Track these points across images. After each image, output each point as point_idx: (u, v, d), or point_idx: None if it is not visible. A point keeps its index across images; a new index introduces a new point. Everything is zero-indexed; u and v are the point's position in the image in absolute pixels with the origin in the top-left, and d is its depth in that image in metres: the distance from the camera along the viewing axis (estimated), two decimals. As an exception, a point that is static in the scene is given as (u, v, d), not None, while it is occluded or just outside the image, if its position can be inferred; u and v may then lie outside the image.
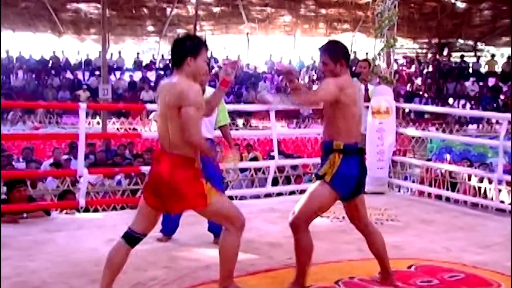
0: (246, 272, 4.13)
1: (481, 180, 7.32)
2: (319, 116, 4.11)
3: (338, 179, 3.60)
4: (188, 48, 3.37)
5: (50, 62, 23.54)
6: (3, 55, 21.82)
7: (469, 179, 7.53)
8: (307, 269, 3.69)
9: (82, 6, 23.33)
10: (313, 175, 3.84)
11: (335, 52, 3.66)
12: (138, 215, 3.50)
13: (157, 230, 5.04)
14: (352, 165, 3.64)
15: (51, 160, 10.33)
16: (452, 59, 25.13)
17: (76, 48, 24.52)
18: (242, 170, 8.58)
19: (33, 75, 22.55)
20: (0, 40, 19.28)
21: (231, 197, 7.03)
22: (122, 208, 6.93)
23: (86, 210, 6.35)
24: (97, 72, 21.38)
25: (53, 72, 22.81)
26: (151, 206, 3.42)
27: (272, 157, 7.68)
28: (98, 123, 16.70)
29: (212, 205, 3.40)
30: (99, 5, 18.75)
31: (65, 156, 10.67)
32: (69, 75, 22.39)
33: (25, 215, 5.71)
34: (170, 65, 3.50)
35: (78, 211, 6.15)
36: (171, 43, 3.50)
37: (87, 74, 22.96)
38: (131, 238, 3.50)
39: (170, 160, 3.31)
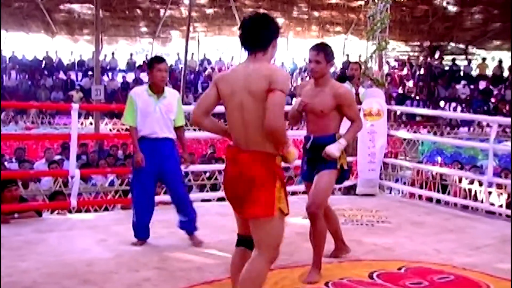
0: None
1: (471, 182, 7.37)
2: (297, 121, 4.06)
3: (348, 165, 4.20)
4: (274, 30, 2.97)
5: (43, 62, 23.46)
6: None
7: (460, 181, 7.58)
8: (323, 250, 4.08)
9: (75, 6, 23.25)
10: (323, 168, 4.02)
11: (329, 54, 4.00)
12: (237, 221, 3.17)
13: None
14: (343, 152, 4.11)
15: (43, 161, 10.31)
16: (443, 62, 25.26)
17: (69, 48, 24.44)
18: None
19: (26, 76, 22.47)
20: (0, 40, 19.25)
21: (222, 198, 7.07)
22: (114, 208, 6.93)
23: (78, 210, 6.34)
24: (90, 73, 21.33)
25: (46, 72, 22.74)
26: (239, 214, 3.07)
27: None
28: (91, 123, 16.66)
29: (273, 221, 2.91)
30: (92, 6, 18.71)
31: (58, 157, 10.64)
32: (62, 75, 22.34)
33: (16, 215, 5.70)
34: (245, 47, 2.95)
35: (70, 211, 6.15)
36: (247, 21, 2.97)
37: (80, 74, 22.91)
38: (245, 242, 3.09)
39: (249, 157, 2.90)
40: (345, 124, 4.13)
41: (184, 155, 5.14)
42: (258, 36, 2.92)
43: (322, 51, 3.94)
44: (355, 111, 4.14)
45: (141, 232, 4.89)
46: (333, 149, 3.92)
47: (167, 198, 6.70)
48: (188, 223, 4.92)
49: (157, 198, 6.44)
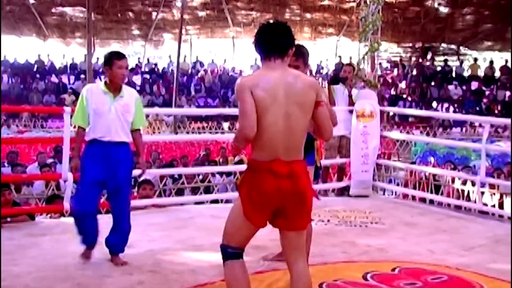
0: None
1: (464, 182, 7.39)
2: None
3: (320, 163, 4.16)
4: (293, 38, 2.99)
5: (35, 66, 23.42)
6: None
7: (453, 181, 7.60)
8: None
9: (67, 10, 23.23)
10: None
11: (307, 57, 3.94)
12: (238, 234, 2.99)
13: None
14: (320, 150, 4.15)
15: (36, 164, 10.26)
16: (435, 63, 25.39)
17: (61, 52, 24.42)
18: (228, 174, 8.59)
19: (18, 79, 22.41)
20: (0, 43, 19.17)
21: (216, 201, 7.07)
22: (108, 212, 6.89)
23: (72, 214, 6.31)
24: (82, 76, 21.33)
25: (38, 76, 22.70)
26: (262, 227, 2.97)
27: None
28: (83, 127, 16.62)
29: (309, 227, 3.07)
30: (84, 9, 18.71)
31: (50, 160, 10.60)
32: (54, 79, 22.32)
33: (9, 219, 5.67)
34: (271, 53, 2.92)
35: (63, 215, 6.12)
36: (275, 26, 2.97)
37: (72, 78, 22.88)
38: (239, 254, 3.01)
39: (299, 169, 2.89)
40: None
41: (139, 161, 4.62)
42: (290, 38, 2.97)
43: (301, 56, 3.82)
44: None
45: (84, 239, 4.44)
46: None
47: (160, 200, 6.73)
48: (118, 241, 4.43)
49: (149, 201, 6.46)
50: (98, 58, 23.09)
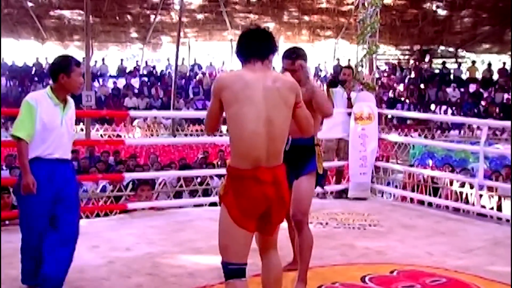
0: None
1: (462, 185, 7.39)
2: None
3: (324, 170, 3.97)
4: (274, 44, 2.98)
5: (33, 68, 23.40)
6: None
7: (451, 184, 7.60)
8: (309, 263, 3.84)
9: (66, 12, 23.22)
10: (304, 173, 3.84)
11: (305, 59, 3.90)
12: (235, 245, 2.91)
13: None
14: (321, 155, 3.98)
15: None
16: (433, 65, 25.41)
17: (59, 54, 24.35)
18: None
19: (16, 82, 22.40)
20: (0, 46, 19.16)
21: (214, 203, 7.06)
22: (106, 215, 6.89)
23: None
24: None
25: (36, 78, 22.68)
26: (255, 231, 2.99)
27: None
28: (81, 129, 16.61)
29: None
30: (82, 12, 18.67)
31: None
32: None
33: (7, 222, 5.66)
34: (251, 56, 2.90)
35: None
36: (256, 30, 2.99)
37: (70, 80, 22.85)
38: (242, 271, 2.94)
39: (281, 174, 2.91)
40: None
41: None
42: (263, 46, 2.94)
43: (298, 59, 3.81)
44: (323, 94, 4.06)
45: (27, 277, 3.82)
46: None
47: (159, 203, 6.72)
48: (56, 274, 3.64)
49: (148, 204, 6.45)
50: (96, 61, 23.10)
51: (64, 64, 3.78)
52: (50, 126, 3.67)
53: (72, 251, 3.73)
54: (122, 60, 24.57)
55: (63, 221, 3.67)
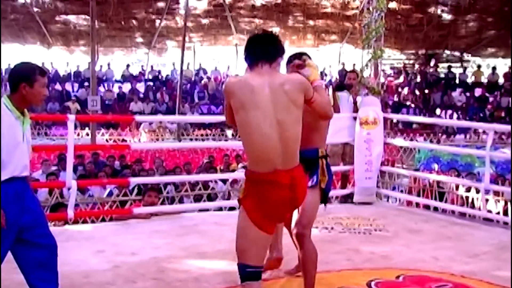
0: (236, 283, 4.12)
1: (468, 189, 7.37)
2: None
3: (328, 184, 3.79)
4: (282, 47, 3.03)
5: (39, 73, 23.46)
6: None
7: (457, 188, 7.58)
8: (315, 277, 3.68)
9: (71, 17, 23.29)
10: (310, 185, 3.65)
11: None
12: (254, 247, 2.94)
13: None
14: (330, 169, 3.85)
15: (40, 172, 10.29)
16: (439, 69, 25.37)
17: (65, 59, 24.47)
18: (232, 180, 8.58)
19: (22, 87, 22.46)
20: (0, 50, 19.23)
21: (220, 208, 7.07)
22: (111, 219, 6.91)
23: (75, 222, 6.32)
24: (86, 84, 21.39)
25: (41, 83, 22.74)
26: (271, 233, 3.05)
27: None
28: (87, 134, 16.67)
29: None
30: (88, 17, 18.75)
31: (54, 168, 10.63)
32: (58, 86, 22.36)
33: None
34: (259, 59, 2.91)
35: (67, 223, 6.13)
36: (263, 34, 3.07)
37: (76, 85, 22.95)
38: (258, 274, 2.98)
39: (300, 175, 2.96)
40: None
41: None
42: (269, 50, 2.97)
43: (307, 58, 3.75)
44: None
45: None
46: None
47: (165, 208, 6.72)
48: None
49: (153, 209, 6.45)
50: (101, 66, 23.16)
51: (26, 72, 3.30)
52: (13, 143, 3.23)
53: (55, 269, 3.51)
54: (128, 65, 24.64)
55: (42, 236, 3.43)
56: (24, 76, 3.28)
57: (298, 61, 3.52)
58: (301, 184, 2.96)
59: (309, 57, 3.77)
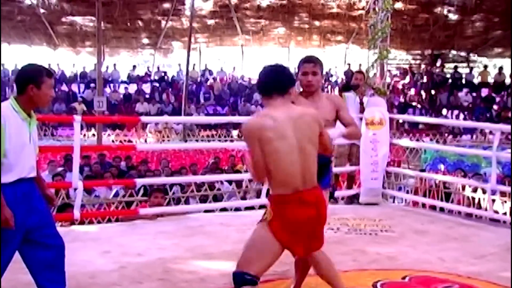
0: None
1: (475, 190, 7.35)
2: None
3: (334, 185, 4.06)
4: (292, 78, 3.28)
5: (45, 75, 23.54)
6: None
7: (463, 189, 7.56)
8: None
9: (77, 19, 23.38)
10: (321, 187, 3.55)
11: (322, 65, 3.92)
12: (262, 262, 3.07)
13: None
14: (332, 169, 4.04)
15: (46, 172, 10.32)
16: (445, 70, 25.31)
17: (71, 60, 24.56)
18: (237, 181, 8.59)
19: (28, 88, 22.54)
20: (0, 52, 19.30)
21: (225, 209, 7.07)
22: (117, 220, 6.93)
23: (81, 222, 6.34)
24: (92, 85, 21.46)
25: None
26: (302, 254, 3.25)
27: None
28: (93, 135, 16.72)
29: None
30: (94, 18, 18.82)
31: (60, 169, 10.66)
32: (64, 87, 22.44)
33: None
34: (272, 92, 3.16)
35: (73, 223, 6.15)
36: (276, 67, 3.27)
37: (82, 86, 23.02)
38: (255, 283, 3.07)
39: (322, 194, 3.19)
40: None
41: (47, 193, 3.59)
42: (282, 81, 3.19)
43: (318, 62, 3.85)
44: (351, 116, 4.03)
45: None
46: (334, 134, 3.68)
47: (171, 209, 6.73)
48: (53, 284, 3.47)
49: (159, 209, 6.46)
50: (107, 67, 23.23)
51: (34, 74, 3.33)
52: (20, 144, 3.26)
53: (63, 269, 3.53)
54: (134, 66, 24.70)
55: (50, 236, 3.45)
56: (31, 77, 3.30)
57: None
58: (324, 202, 3.20)
59: (322, 65, 3.89)
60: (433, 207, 7.36)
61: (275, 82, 3.17)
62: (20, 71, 3.43)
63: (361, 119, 7.43)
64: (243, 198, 7.94)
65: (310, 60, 3.84)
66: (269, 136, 3.01)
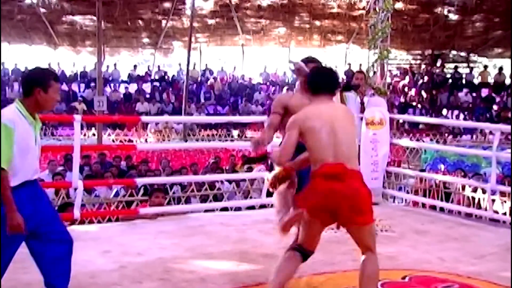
0: (242, 284, 4.14)
1: (475, 190, 7.35)
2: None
3: None
4: (339, 83, 3.85)
5: (46, 74, 23.53)
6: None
7: (463, 189, 7.56)
8: None
9: (78, 18, 23.37)
10: None
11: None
12: (310, 236, 3.55)
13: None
14: None
15: (46, 172, 10.33)
16: (445, 70, 25.30)
17: (71, 60, 24.55)
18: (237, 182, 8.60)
19: (28, 87, 22.54)
20: (0, 51, 19.29)
21: (226, 208, 7.07)
22: (117, 220, 6.94)
23: (82, 222, 6.34)
24: (92, 84, 21.44)
25: (48, 84, 22.81)
26: (326, 225, 3.59)
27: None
28: (94, 134, 16.72)
29: (372, 224, 3.59)
30: (94, 18, 18.81)
31: (60, 168, 10.66)
32: (64, 87, 22.40)
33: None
34: (321, 90, 3.63)
35: (73, 223, 6.15)
36: (327, 70, 3.80)
37: (82, 86, 23.00)
38: (306, 255, 3.56)
39: (352, 173, 3.43)
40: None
41: None
42: (331, 83, 3.68)
43: (317, 63, 4.14)
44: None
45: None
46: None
47: (171, 208, 6.73)
48: (65, 285, 3.56)
49: (159, 209, 6.47)
50: (108, 66, 23.22)
51: (42, 78, 3.37)
52: (26, 147, 3.30)
53: (69, 269, 3.58)
54: (135, 65, 24.70)
55: (57, 232, 3.51)
56: (39, 81, 3.33)
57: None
58: (354, 179, 3.39)
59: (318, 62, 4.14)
60: (433, 207, 7.36)
61: (325, 83, 3.63)
62: (27, 73, 3.48)
63: (361, 119, 7.44)
64: (246, 197, 7.95)
65: (313, 61, 4.13)
66: (312, 124, 3.42)
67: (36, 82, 3.33)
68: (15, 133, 3.21)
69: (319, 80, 3.65)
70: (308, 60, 4.12)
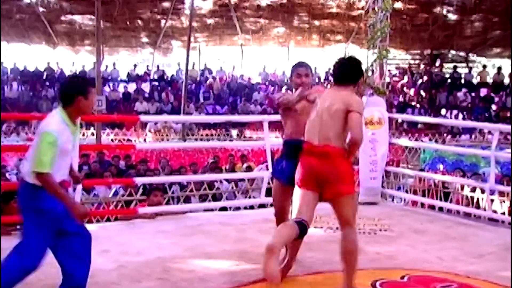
0: (241, 283, 4.14)
1: (473, 189, 7.36)
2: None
3: None
4: (355, 75, 4.11)
5: (45, 73, 23.55)
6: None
7: (462, 189, 7.57)
8: None
9: (77, 17, 23.37)
10: None
11: (311, 69, 4.71)
12: (303, 205, 3.79)
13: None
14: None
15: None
16: (444, 70, 25.31)
17: (70, 59, 24.54)
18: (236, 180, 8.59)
19: (28, 87, 22.55)
20: (0, 51, 19.29)
21: (224, 208, 7.07)
22: (116, 219, 6.93)
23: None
24: (91, 84, 21.42)
25: (47, 83, 22.82)
26: (316, 194, 3.82)
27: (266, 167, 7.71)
28: (92, 134, 16.71)
29: (354, 196, 3.94)
30: (93, 17, 18.80)
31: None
32: (63, 86, 22.39)
33: (18, 227, 5.69)
34: (338, 80, 4.08)
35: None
36: (343, 61, 4.12)
37: (81, 85, 22.97)
38: (302, 229, 3.74)
39: (330, 151, 3.78)
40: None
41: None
42: (351, 72, 4.10)
43: (309, 66, 4.59)
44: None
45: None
46: None
47: (170, 208, 6.74)
48: (86, 276, 3.70)
49: (158, 208, 6.47)
50: (106, 66, 23.21)
51: (81, 86, 3.58)
52: (65, 151, 3.50)
53: (88, 264, 3.73)
54: (135, 65, 24.69)
55: (77, 226, 3.64)
56: (80, 89, 3.54)
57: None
58: (331, 158, 3.73)
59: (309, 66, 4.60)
60: (432, 207, 7.37)
61: (338, 72, 4.06)
62: (67, 83, 3.67)
63: (360, 118, 7.43)
64: (245, 197, 7.95)
65: (303, 65, 4.57)
66: (316, 103, 3.93)
67: (77, 91, 3.53)
68: (58, 142, 3.41)
69: (333, 71, 4.12)
70: (298, 65, 4.59)
